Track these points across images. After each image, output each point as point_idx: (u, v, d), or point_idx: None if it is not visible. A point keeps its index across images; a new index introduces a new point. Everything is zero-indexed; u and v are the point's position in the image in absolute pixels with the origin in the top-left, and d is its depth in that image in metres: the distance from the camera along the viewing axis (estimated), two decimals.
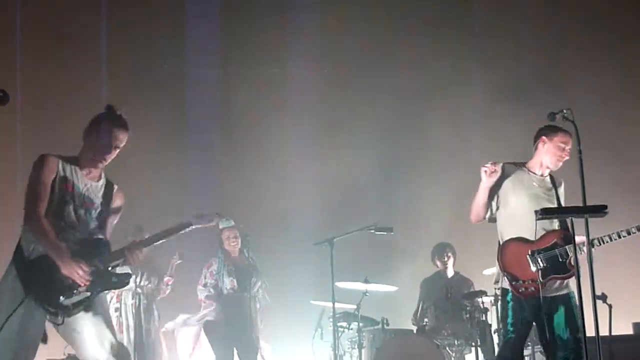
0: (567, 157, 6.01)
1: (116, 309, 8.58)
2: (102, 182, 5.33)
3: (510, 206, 6.03)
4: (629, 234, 5.83)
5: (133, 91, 10.28)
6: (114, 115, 5.24)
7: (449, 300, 8.83)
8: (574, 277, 5.50)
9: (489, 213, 6.15)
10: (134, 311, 8.58)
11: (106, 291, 5.37)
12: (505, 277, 5.89)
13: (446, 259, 9.44)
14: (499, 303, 6.21)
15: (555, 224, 5.92)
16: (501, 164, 6.04)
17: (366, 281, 8.59)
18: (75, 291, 4.92)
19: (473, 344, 8.42)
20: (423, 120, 10.77)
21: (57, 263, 4.87)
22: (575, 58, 10.77)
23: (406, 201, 10.34)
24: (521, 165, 6.18)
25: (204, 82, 10.82)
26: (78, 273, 4.88)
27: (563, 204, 6.03)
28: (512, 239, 5.96)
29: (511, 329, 5.84)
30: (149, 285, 8.73)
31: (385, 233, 8.30)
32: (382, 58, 11.06)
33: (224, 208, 9.13)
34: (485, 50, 11.14)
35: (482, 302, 8.60)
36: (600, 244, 5.86)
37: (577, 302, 5.53)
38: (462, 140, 10.65)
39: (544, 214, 5.55)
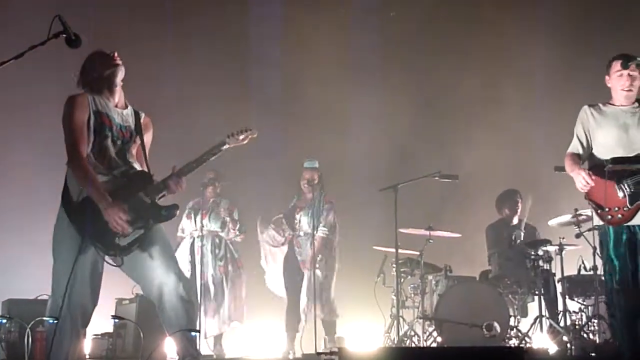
0: (628, 83, 5.70)
1: (190, 250, 8.71)
2: (130, 109, 5.30)
3: (599, 141, 5.77)
4: None
5: (200, 54, 10.30)
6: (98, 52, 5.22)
7: (514, 248, 8.77)
8: None
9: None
10: (203, 252, 8.69)
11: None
12: (590, 206, 5.67)
13: (517, 206, 9.28)
14: (599, 243, 5.81)
15: None
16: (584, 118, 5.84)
17: (430, 228, 8.59)
18: (129, 229, 4.94)
19: (536, 292, 8.35)
20: (488, 71, 10.57)
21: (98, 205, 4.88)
22: None
23: (470, 148, 10.20)
24: (604, 102, 5.89)
25: (265, 38, 10.75)
26: (117, 221, 4.88)
27: None
28: (595, 165, 5.70)
29: (616, 262, 5.52)
30: (214, 229, 8.79)
31: (450, 180, 8.29)
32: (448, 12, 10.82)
33: (290, 158, 9.29)
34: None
35: (547, 251, 8.51)
36: None
37: None
38: (525, 88, 10.41)
39: (614, 163, 5.40)
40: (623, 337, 5.60)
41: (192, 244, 8.74)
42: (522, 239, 8.91)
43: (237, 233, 8.87)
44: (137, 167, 5.24)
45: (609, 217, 5.55)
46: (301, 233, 8.87)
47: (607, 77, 5.89)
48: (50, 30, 4.36)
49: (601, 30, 10.20)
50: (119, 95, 5.25)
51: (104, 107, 5.12)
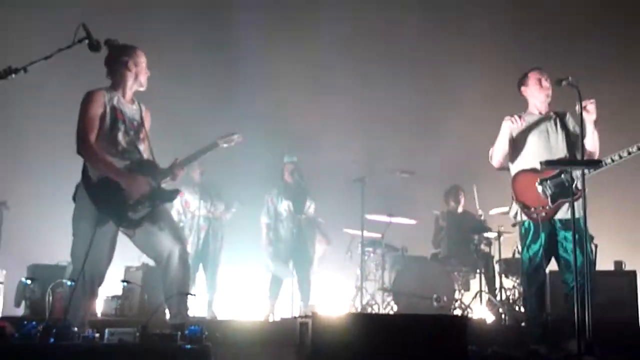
0: (549, 88, 5.73)
1: (190, 229, 8.61)
2: (136, 104, 5.28)
3: (523, 147, 5.73)
4: (629, 153, 5.34)
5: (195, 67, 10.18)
6: (128, 47, 5.18)
7: (460, 234, 8.79)
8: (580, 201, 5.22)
9: (507, 160, 5.85)
10: (202, 233, 8.60)
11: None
12: (518, 206, 5.62)
13: (459, 198, 9.33)
14: (520, 233, 5.76)
15: (562, 154, 5.59)
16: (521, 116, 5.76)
17: (390, 215, 8.59)
18: (139, 207, 4.97)
19: (477, 271, 8.41)
20: (440, 84, 10.50)
21: (118, 181, 4.91)
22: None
23: (425, 150, 10.17)
24: (526, 112, 5.85)
25: (248, 27, 10.47)
26: (141, 183, 4.98)
27: (572, 131, 5.67)
28: (522, 170, 5.66)
29: (535, 251, 5.54)
30: (217, 211, 8.73)
31: (408, 175, 8.30)
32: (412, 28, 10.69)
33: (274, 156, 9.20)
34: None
35: (488, 237, 8.55)
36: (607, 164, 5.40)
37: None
38: (472, 99, 10.29)
39: (547, 164, 5.35)
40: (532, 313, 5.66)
41: (197, 223, 8.66)
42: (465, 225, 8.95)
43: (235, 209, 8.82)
44: (146, 155, 5.23)
45: (535, 215, 5.55)
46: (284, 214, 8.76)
47: (522, 88, 5.88)
48: (76, 36, 4.30)
49: (537, 43, 10.12)
50: (128, 92, 5.24)
51: (118, 103, 5.09)
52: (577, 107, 5.31)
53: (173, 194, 5.28)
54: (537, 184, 5.54)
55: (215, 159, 8.39)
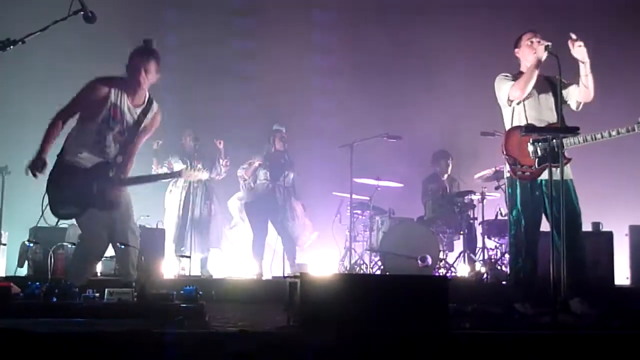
0: (539, 45, 5.48)
1: (186, 193, 8.77)
2: (145, 104, 5.25)
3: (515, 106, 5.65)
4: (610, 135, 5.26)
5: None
6: (147, 50, 5.12)
7: (444, 197, 8.86)
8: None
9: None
10: (196, 194, 8.78)
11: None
12: (507, 161, 5.52)
13: (448, 162, 9.38)
14: (508, 194, 5.66)
15: (551, 114, 5.53)
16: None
17: (378, 178, 8.66)
18: (66, 206, 5.19)
19: (461, 232, 8.50)
20: (429, 37, 10.42)
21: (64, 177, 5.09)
22: None
23: (412, 115, 10.17)
24: (518, 73, 5.73)
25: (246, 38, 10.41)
26: (32, 170, 5.01)
27: (562, 91, 5.45)
28: (516, 127, 5.55)
29: (521, 209, 5.48)
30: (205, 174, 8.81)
31: (395, 140, 8.36)
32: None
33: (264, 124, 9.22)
34: None
35: (471, 199, 8.63)
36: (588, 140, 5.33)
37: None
38: (457, 68, 10.23)
39: (527, 131, 5.34)
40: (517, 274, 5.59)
41: (189, 187, 8.72)
42: (449, 189, 9.03)
43: (226, 166, 8.87)
44: (118, 155, 5.18)
45: (520, 172, 5.46)
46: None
47: (516, 50, 5.77)
48: (71, 8, 4.31)
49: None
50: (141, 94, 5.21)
51: (121, 102, 5.10)
52: (557, 75, 5.32)
53: (111, 205, 5.19)
54: (529, 143, 5.40)
55: (206, 126, 8.55)
